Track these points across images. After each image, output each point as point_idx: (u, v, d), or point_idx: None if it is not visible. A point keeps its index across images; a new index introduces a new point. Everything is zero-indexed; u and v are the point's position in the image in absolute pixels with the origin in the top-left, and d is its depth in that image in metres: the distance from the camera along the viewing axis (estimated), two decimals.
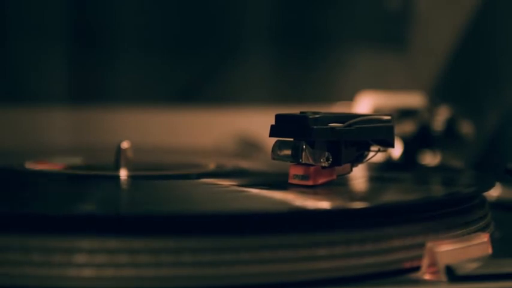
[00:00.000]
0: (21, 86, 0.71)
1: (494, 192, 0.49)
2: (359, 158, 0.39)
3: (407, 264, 0.32)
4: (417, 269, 0.32)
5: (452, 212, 0.35)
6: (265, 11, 0.74)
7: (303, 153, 0.36)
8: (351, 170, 0.39)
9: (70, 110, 0.71)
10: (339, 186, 0.38)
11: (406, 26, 0.75)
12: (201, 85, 0.75)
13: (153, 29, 0.74)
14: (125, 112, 0.71)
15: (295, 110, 0.38)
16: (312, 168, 0.37)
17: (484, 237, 0.34)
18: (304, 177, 0.37)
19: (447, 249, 0.32)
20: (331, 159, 0.37)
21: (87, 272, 0.28)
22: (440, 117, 0.56)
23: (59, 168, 0.47)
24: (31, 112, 0.70)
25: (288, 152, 0.37)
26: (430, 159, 0.56)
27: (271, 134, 0.37)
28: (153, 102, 0.73)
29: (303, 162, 0.36)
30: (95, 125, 0.71)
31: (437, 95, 0.65)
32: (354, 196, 0.38)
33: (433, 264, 0.31)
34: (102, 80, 0.73)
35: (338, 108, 0.65)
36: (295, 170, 0.37)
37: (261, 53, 0.74)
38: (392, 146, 0.39)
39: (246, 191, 0.37)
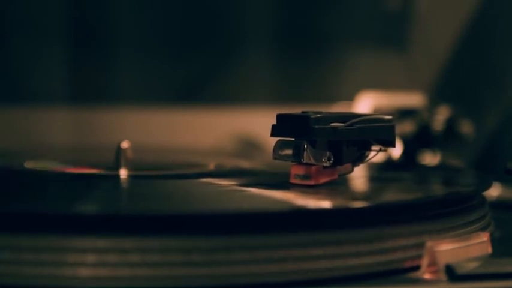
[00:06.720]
0: (21, 86, 0.71)
1: (494, 192, 0.49)
2: (360, 158, 0.39)
3: (407, 264, 0.32)
4: (417, 268, 0.32)
5: (452, 212, 0.35)
6: (265, 11, 0.74)
7: (305, 153, 0.36)
8: (352, 170, 0.39)
9: (70, 110, 0.71)
10: (340, 185, 0.38)
11: (406, 26, 0.75)
12: (201, 85, 0.75)
13: (153, 29, 0.74)
14: (125, 112, 0.71)
15: (295, 110, 0.38)
16: (313, 168, 0.37)
17: (484, 237, 0.34)
18: (305, 176, 0.37)
19: (447, 249, 0.32)
20: (332, 159, 0.37)
21: (88, 271, 0.28)
22: (440, 117, 0.56)
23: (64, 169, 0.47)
24: (31, 112, 0.70)
25: (289, 151, 0.37)
26: (430, 159, 0.56)
27: (273, 134, 0.37)
28: (153, 102, 0.73)
29: (305, 161, 0.36)
30: (95, 125, 0.71)
31: (437, 95, 0.65)
32: (354, 196, 0.38)
33: (433, 263, 0.31)
34: (102, 80, 0.73)
35: (338, 108, 0.65)
36: (296, 170, 0.37)
37: (261, 53, 0.74)
38: (394, 145, 0.39)
39: (247, 191, 0.37)
